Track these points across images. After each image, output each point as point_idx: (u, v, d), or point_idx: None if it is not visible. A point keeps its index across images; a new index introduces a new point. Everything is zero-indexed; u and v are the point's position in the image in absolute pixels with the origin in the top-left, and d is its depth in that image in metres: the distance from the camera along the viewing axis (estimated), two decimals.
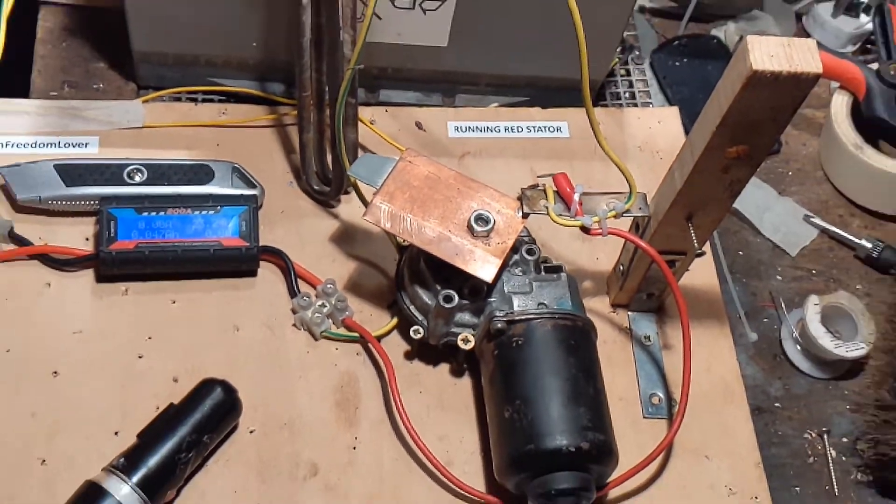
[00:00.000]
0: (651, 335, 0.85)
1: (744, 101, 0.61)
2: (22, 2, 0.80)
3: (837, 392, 0.90)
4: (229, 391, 0.74)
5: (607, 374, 0.77)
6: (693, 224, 0.73)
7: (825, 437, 0.87)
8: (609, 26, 0.90)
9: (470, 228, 0.74)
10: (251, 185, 0.85)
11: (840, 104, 1.00)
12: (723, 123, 0.63)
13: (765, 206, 0.99)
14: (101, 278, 0.81)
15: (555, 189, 0.74)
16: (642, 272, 0.80)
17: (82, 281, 0.81)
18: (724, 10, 1.12)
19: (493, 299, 0.76)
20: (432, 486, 0.76)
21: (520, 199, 0.75)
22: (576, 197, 0.73)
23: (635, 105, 1.03)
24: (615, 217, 0.74)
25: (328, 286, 0.82)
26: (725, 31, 1.10)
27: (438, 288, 0.76)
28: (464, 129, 0.95)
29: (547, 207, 0.74)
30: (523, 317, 0.74)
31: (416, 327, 0.78)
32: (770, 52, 0.59)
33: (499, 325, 0.74)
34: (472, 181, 0.77)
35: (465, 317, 0.77)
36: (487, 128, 0.95)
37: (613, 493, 0.76)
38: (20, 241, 0.81)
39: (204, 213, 0.81)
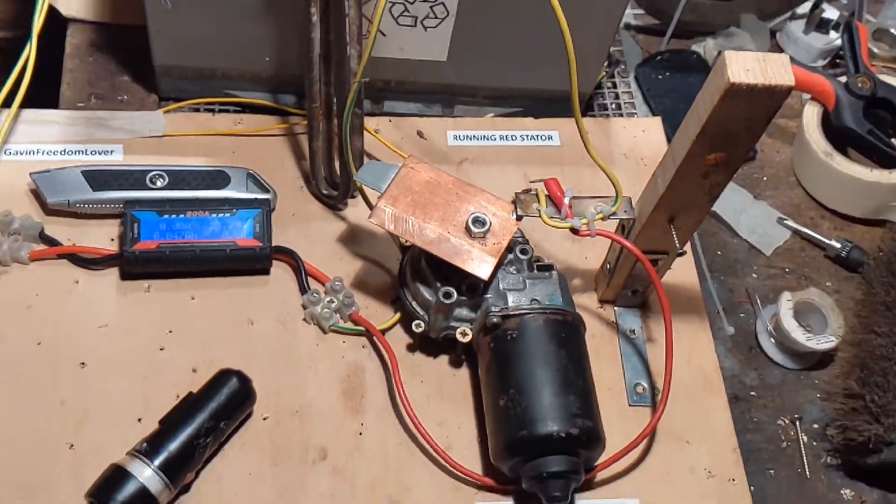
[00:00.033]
0: (636, 329, 0.86)
1: (722, 111, 0.62)
2: (52, 20, 0.80)
3: (808, 382, 0.91)
4: (244, 381, 0.75)
5: (595, 365, 0.78)
6: (675, 226, 0.74)
7: (797, 423, 0.88)
8: (596, 42, 0.92)
9: (468, 230, 0.75)
10: (265, 189, 0.86)
11: (811, 114, 1.01)
12: (702, 132, 0.64)
13: (741, 209, 1.00)
14: (125, 276, 0.82)
15: (546, 193, 0.75)
16: (628, 270, 0.81)
17: (108, 279, 0.82)
18: (703, 27, 1.12)
19: (489, 295, 0.77)
20: (433, 469, 0.77)
21: (514, 202, 0.76)
22: (566, 201, 0.74)
23: (621, 115, 1.03)
24: (602, 219, 0.75)
25: (336, 283, 0.83)
26: (705, 47, 1.10)
27: (438, 285, 0.77)
28: (462, 138, 0.96)
29: (539, 210, 0.75)
30: (517, 312, 0.75)
31: (417, 322, 0.79)
32: (746, 66, 0.60)
33: (494, 320, 0.75)
34: (469, 186, 0.78)
35: (464, 312, 0.78)
36: (484, 136, 0.96)
37: (601, 476, 0.77)
38: (50, 242, 0.82)
39: (221, 215, 0.82)
